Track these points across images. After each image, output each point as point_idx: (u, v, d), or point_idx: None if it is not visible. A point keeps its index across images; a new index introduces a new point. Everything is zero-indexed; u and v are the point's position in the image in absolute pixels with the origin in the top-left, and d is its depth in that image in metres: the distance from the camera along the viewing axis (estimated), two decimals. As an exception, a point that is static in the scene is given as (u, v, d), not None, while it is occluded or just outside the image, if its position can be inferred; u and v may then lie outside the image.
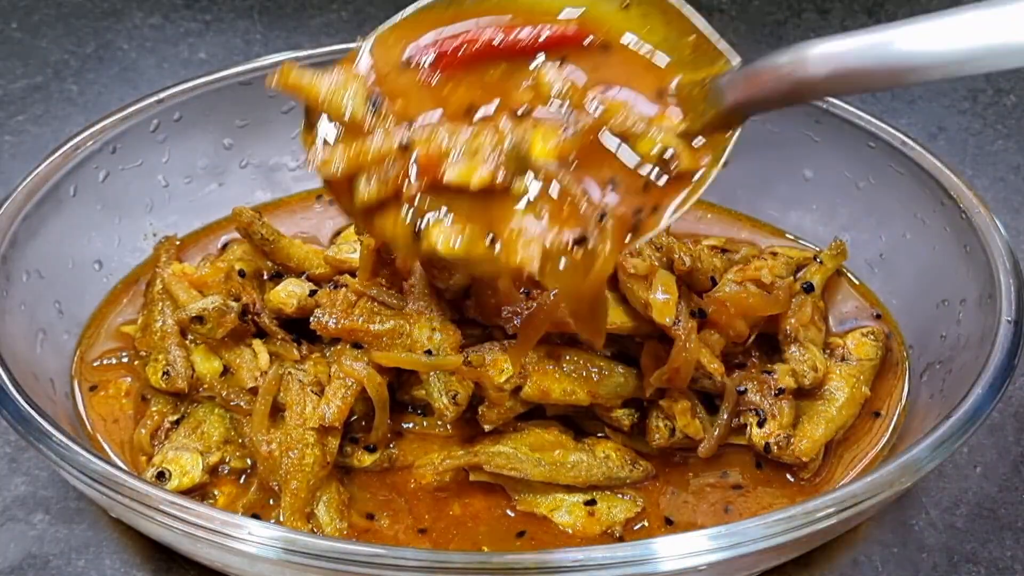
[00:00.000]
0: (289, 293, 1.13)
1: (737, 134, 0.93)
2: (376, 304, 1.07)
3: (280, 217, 1.35)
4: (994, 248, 1.11)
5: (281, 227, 1.24)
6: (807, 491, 1.06)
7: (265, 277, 1.22)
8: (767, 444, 1.06)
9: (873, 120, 1.26)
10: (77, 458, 0.92)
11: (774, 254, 1.23)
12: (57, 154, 1.21)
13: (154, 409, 1.11)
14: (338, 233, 1.32)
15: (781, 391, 1.08)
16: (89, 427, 1.10)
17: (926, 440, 0.94)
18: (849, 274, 1.28)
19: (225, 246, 1.29)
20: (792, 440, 1.06)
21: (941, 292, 1.17)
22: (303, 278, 1.18)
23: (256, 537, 0.87)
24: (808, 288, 1.20)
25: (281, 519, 1.01)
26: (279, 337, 1.12)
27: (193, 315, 1.09)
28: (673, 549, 0.86)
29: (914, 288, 1.22)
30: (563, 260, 0.88)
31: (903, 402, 1.14)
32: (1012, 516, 1.09)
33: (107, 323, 1.21)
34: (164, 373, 1.10)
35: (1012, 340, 1.02)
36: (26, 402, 0.97)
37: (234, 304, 1.10)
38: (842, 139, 1.28)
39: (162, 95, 1.30)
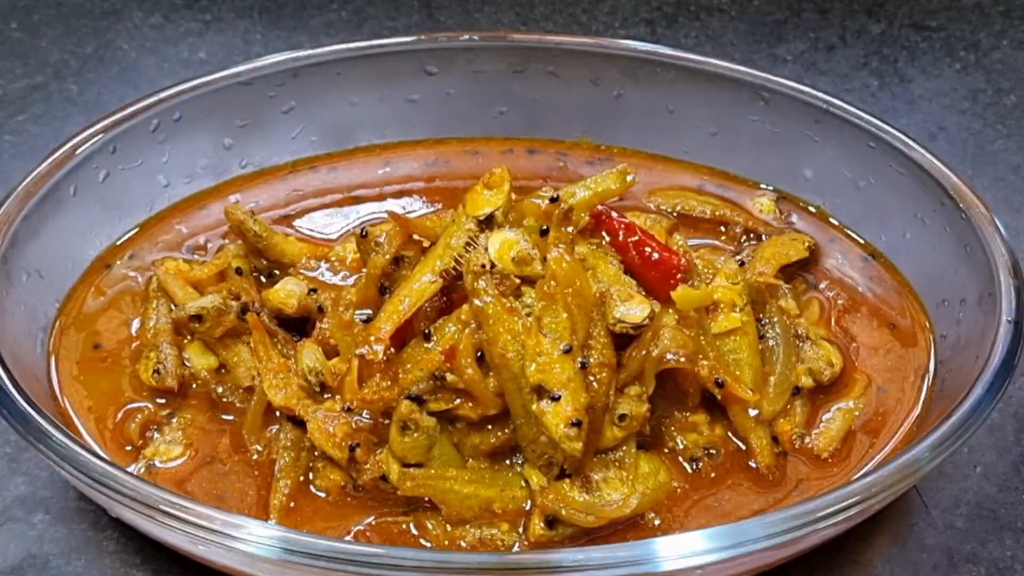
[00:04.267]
0: (288, 293, 1.12)
1: None
2: None
3: (254, 193, 1.35)
4: (994, 248, 1.11)
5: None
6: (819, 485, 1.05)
7: (262, 277, 1.22)
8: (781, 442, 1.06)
9: (873, 120, 1.26)
10: (77, 458, 0.92)
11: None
12: (57, 154, 1.21)
13: (146, 405, 1.11)
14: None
15: (798, 390, 1.09)
16: (80, 425, 1.10)
17: (926, 440, 0.94)
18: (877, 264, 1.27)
19: (220, 246, 1.28)
20: (807, 437, 1.06)
21: (941, 292, 1.17)
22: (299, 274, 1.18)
23: (256, 537, 0.87)
24: (813, 286, 1.20)
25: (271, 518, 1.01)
26: (279, 336, 1.12)
27: (192, 313, 1.09)
28: (673, 549, 0.86)
29: (914, 288, 1.22)
30: None
31: (923, 396, 1.13)
32: (1012, 516, 1.09)
33: (98, 318, 1.21)
34: (155, 371, 1.10)
35: (1012, 340, 1.02)
36: (26, 402, 0.97)
37: (234, 303, 1.10)
38: (842, 139, 1.28)
39: (162, 95, 1.30)
